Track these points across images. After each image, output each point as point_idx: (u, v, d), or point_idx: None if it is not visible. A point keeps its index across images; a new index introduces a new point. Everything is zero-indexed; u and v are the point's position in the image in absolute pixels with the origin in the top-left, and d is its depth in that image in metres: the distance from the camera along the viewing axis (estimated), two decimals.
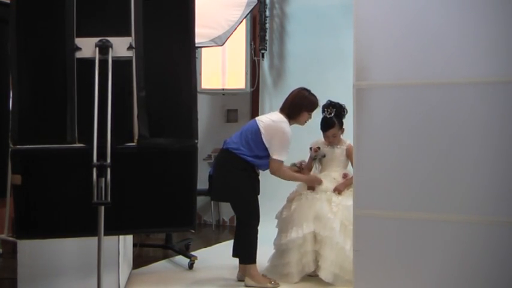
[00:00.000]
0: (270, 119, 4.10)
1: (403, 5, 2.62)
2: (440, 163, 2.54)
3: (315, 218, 3.99)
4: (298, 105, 4.09)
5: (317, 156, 4.26)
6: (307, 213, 4.04)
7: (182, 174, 3.14)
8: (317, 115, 4.26)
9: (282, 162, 4.04)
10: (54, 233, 2.92)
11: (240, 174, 4.02)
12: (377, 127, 2.66)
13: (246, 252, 4.02)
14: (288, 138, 4.03)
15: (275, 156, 3.99)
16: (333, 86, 5.41)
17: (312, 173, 4.29)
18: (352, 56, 2.70)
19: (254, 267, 4.02)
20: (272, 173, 4.05)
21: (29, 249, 3.54)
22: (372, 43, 2.67)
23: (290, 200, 4.22)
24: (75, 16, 2.87)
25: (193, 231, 3.69)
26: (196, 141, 3.27)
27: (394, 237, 2.64)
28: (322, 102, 4.25)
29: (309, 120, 4.17)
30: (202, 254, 4.84)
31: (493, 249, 2.45)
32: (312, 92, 4.17)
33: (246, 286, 4.01)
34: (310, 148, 4.32)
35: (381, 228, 2.65)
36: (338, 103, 4.21)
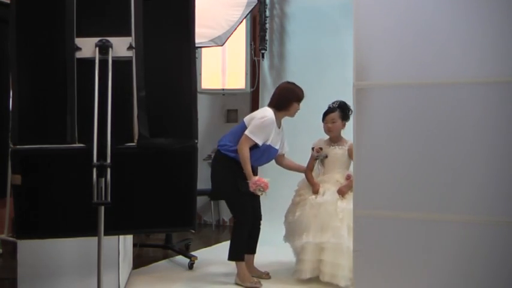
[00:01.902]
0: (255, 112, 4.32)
1: (403, 5, 2.62)
2: (440, 163, 2.54)
3: (321, 229, 3.97)
4: (286, 98, 4.16)
5: (319, 156, 4.21)
6: (309, 223, 4.01)
7: (182, 174, 3.14)
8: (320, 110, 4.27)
9: (251, 140, 4.02)
10: (54, 233, 2.91)
11: (223, 171, 4.11)
12: (377, 127, 2.66)
13: (231, 248, 4.10)
14: (265, 122, 4.06)
15: (246, 132, 4.05)
16: (333, 86, 5.40)
17: (314, 174, 4.26)
18: (352, 56, 2.70)
19: (240, 264, 4.06)
20: (238, 147, 4.06)
21: (29, 249, 3.53)
22: (372, 43, 2.67)
23: (295, 204, 4.19)
24: (75, 16, 2.87)
25: (193, 231, 3.69)
26: (196, 141, 3.26)
27: (394, 237, 2.63)
28: (322, 102, 4.26)
29: (298, 111, 4.20)
30: (202, 254, 4.84)
31: (492, 249, 2.45)
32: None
33: (236, 283, 4.07)
34: (312, 148, 4.28)
35: (380, 228, 2.65)
36: (344, 101, 4.23)
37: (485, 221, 2.45)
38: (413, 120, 2.59)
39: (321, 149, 4.22)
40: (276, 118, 4.12)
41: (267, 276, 4.17)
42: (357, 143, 2.70)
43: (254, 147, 4.05)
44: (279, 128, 4.19)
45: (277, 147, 4.18)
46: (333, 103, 4.26)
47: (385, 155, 2.65)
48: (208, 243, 5.53)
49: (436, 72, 2.55)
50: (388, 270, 2.64)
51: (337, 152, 4.20)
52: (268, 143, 4.08)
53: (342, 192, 4.04)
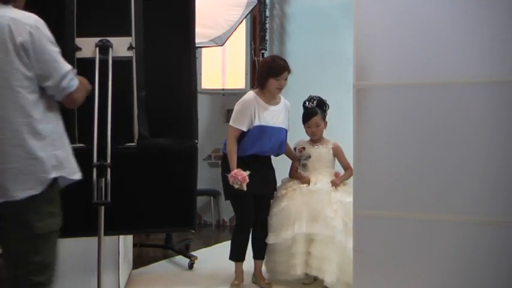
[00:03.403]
0: None
1: (403, 5, 2.62)
2: (440, 163, 2.54)
3: (313, 218, 3.77)
4: (262, 74, 3.92)
5: (302, 156, 4.03)
6: (301, 211, 3.81)
7: (182, 174, 3.13)
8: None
9: (234, 128, 3.84)
10: None
11: (224, 171, 3.91)
12: (377, 127, 2.66)
13: (230, 248, 4.02)
14: (242, 105, 3.86)
15: (230, 122, 3.89)
16: (333, 86, 5.40)
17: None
18: (352, 56, 2.70)
19: (236, 265, 3.99)
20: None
21: None
22: (372, 43, 2.67)
23: (281, 196, 3.98)
24: (76, 16, 2.87)
25: (193, 231, 3.67)
26: (196, 141, 3.25)
27: (394, 237, 2.63)
28: None
29: (285, 84, 3.92)
30: (202, 254, 4.83)
31: (492, 249, 2.45)
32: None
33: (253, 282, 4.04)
34: (295, 148, 4.11)
35: (380, 228, 2.65)
36: (319, 96, 4.09)
37: (485, 221, 2.45)
38: (413, 120, 2.59)
39: (303, 148, 4.05)
40: (265, 97, 3.89)
41: (267, 286, 3.97)
42: (356, 143, 2.70)
43: (245, 134, 3.85)
44: (275, 105, 3.93)
45: (279, 125, 3.92)
46: (310, 101, 4.09)
47: (385, 155, 2.65)
48: (208, 243, 5.53)
49: (436, 72, 2.55)
50: (388, 270, 2.64)
51: (321, 151, 4.05)
52: (257, 123, 3.84)
53: (334, 184, 3.90)
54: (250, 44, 6.20)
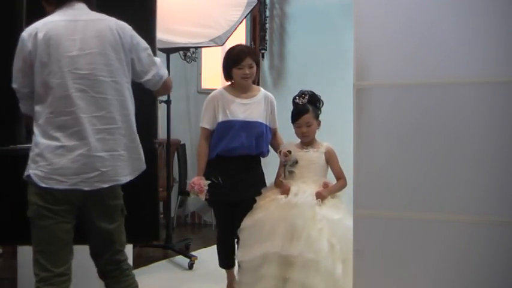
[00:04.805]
0: None
1: (403, 4, 2.62)
2: (440, 163, 2.54)
3: (291, 237, 3.18)
4: (224, 66, 3.67)
5: (287, 162, 3.45)
6: (276, 227, 3.24)
7: (142, 177, 2.79)
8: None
9: (201, 128, 3.62)
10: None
11: None
12: (377, 127, 2.66)
13: (217, 256, 3.92)
14: (206, 102, 3.63)
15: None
16: (333, 86, 5.40)
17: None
18: (352, 56, 2.70)
19: (227, 272, 3.89)
20: None
21: (29, 249, 3.51)
22: (372, 43, 2.66)
23: (257, 208, 3.43)
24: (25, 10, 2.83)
25: (157, 241, 3.39)
26: (156, 140, 3.05)
27: (394, 237, 2.63)
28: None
29: (252, 73, 3.61)
30: (202, 254, 4.84)
31: (493, 249, 2.44)
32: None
33: None
34: (280, 152, 3.52)
35: (380, 228, 2.65)
36: (311, 91, 3.60)
37: (486, 221, 2.45)
38: (414, 120, 2.58)
39: (289, 152, 3.46)
40: (235, 90, 3.62)
41: None
42: (357, 143, 2.70)
43: (213, 133, 3.59)
44: (250, 98, 3.64)
45: (254, 119, 3.57)
46: (300, 97, 3.55)
47: (385, 154, 2.64)
48: (208, 243, 5.52)
49: (436, 72, 2.55)
50: (388, 270, 2.64)
51: (311, 156, 3.48)
52: (221, 119, 3.54)
53: (320, 196, 3.33)
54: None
